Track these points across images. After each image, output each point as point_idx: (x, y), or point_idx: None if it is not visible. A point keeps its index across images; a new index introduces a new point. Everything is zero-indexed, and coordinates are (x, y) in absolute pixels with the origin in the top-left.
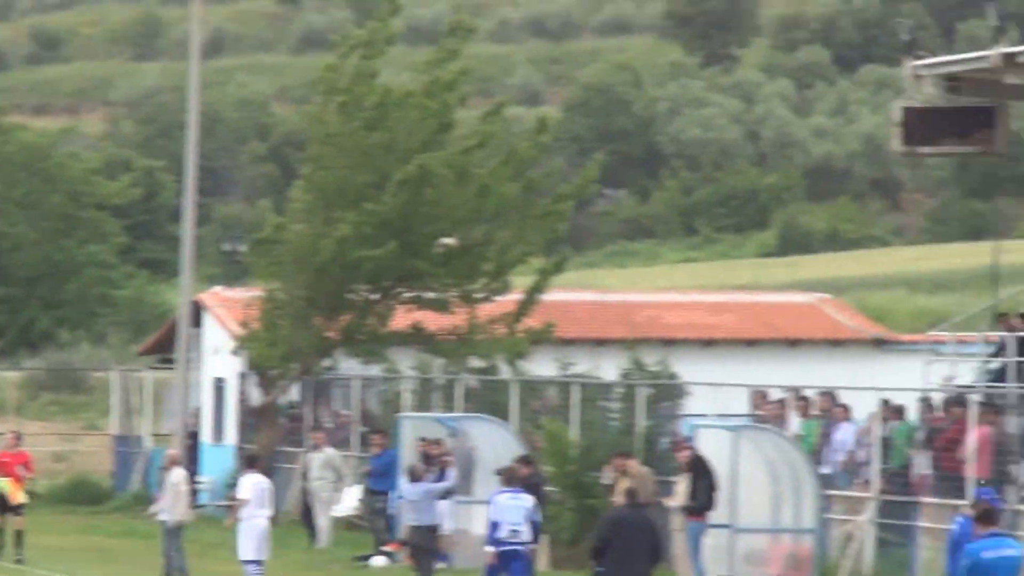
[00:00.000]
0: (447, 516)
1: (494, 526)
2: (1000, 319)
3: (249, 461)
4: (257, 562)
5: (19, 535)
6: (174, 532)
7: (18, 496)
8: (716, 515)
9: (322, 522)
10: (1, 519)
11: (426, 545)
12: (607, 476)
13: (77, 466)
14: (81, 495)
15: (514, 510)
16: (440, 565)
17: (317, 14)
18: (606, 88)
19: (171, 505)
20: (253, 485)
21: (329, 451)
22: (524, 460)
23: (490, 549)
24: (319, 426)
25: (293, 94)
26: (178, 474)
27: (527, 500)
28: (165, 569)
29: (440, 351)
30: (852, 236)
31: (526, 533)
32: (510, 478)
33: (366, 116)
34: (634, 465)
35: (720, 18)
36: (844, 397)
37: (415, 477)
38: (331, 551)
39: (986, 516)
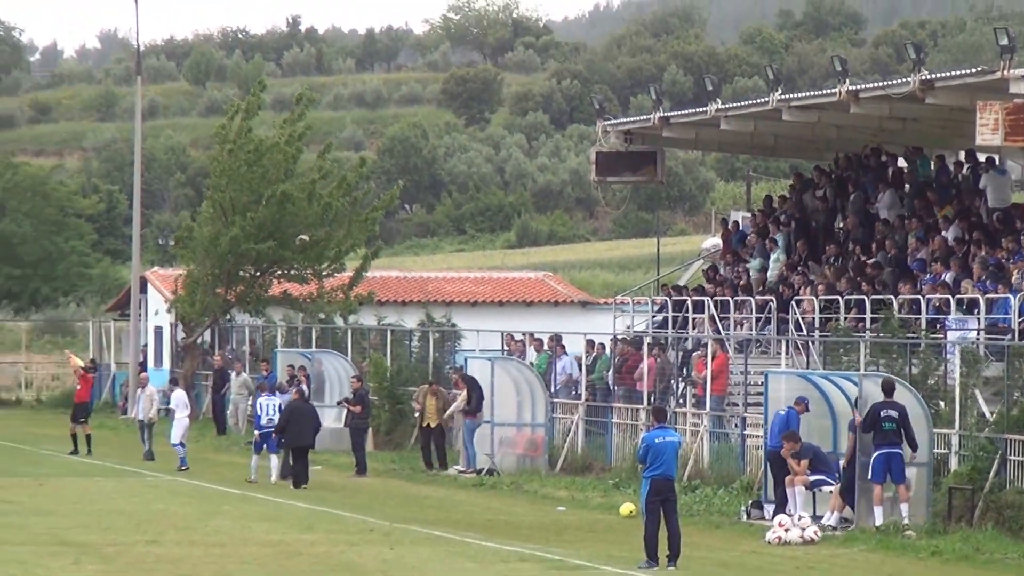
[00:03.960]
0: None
1: (257, 417)
2: (663, 288)
3: (178, 380)
4: (182, 444)
5: (88, 437)
6: (147, 426)
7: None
8: (482, 415)
9: (240, 422)
10: (74, 427)
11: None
12: (418, 394)
13: (66, 384)
14: (69, 403)
15: (272, 406)
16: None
17: (216, 91)
18: (404, 139)
19: (146, 409)
20: (179, 396)
21: (244, 375)
22: (356, 378)
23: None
24: (236, 357)
25: (201, 143)
26: (149, 388)
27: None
28: (145, 451)
29: (300, 309)
30: (564, 235)
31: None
32: (274, 389)
33: (246, 157)
34: (437, 388)
35: (477, 94)
36: (564, 339)
37: (281, 390)
38: (237, 438)
39: (658, 415)
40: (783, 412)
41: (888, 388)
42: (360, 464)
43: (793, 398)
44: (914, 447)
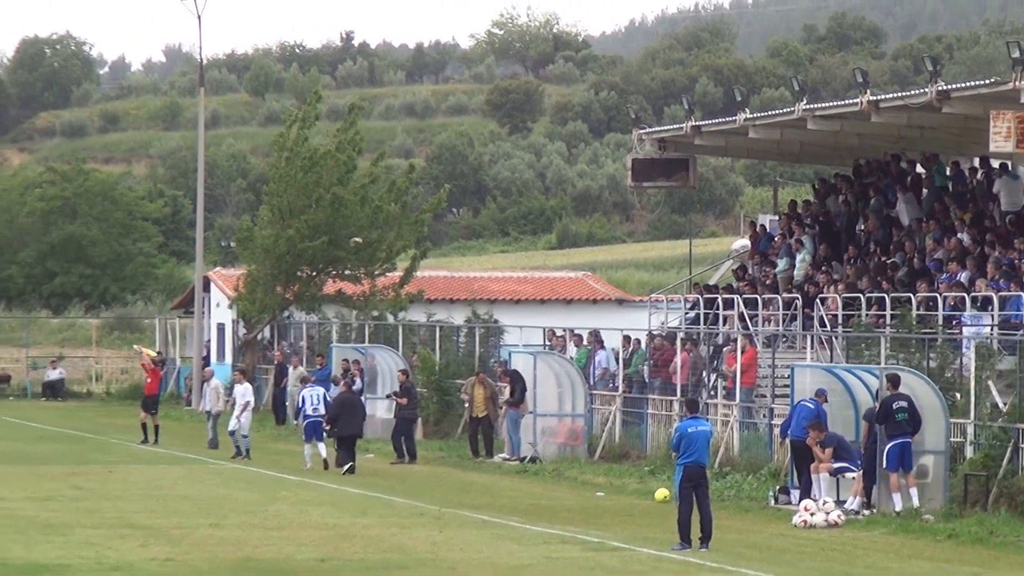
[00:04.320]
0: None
1: (301, 408)
2: (695, 287)
3: (241, 373)
4: (245, 435)
5: (157, 428)
6: (214, 417)
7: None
8: (526, 406)
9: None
10: (144, 417)
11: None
12: (467, 385)
13: (134, 378)
14: (137, 395)
15: (316, 396)
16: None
17: (274, 102)
18: (451, 146)
19: (212, 401)
20: (244, 389)
21: (301, 369)
22: (403, 372)
23: (300, 422)
24: (294, 352)
25: (260, 150)
26: (214, 382)
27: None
28: (210, 440)
29: (354, 306)
30: (602, 237)
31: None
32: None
33: (302, 164)
34: (484, 378)
35: (520, 104)
36: (602, 335)
37: (335, 382)
38: (295, 428)
39: (690, 406)
40: (809, 405)
41: (895, 381)
42: (409, 452)
43: (817, 390)
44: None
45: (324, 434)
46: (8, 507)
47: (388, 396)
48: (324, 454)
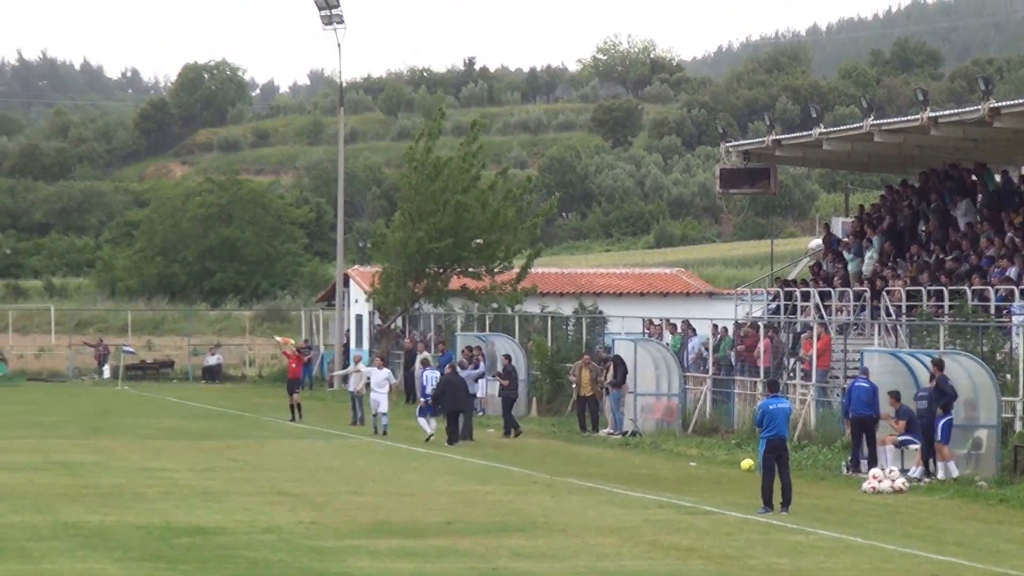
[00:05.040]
0: (480, 388)
1: (422, 388)
2: (776, 281)
3: (386, 359)
4: (385, 413)
5: (299, 406)
6: (357, 398)
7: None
8: (627, 387)
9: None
10: (289, 397)
11: (470, 404)
12: (574, 368)
13: (282, 363)
14: (285, 379)
15: (434, 378)
16: (479, 413)
17: (405, 120)
18: (561, 158)
19: (357, 383)
20: (385, 373)
21: (426, 354)
22: (507, 356)
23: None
24: (423, 340)
25: (393, 162)
26: (360, 366)
27: (437, 373)
28: (353, 418)
29: (476, 299)
30: (694, 237)
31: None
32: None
33: (429, 173)
34: (590, 361)
35: (621, 121)
36: (694, 324)
37: (462, 366)
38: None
39: (772, 386)
40: (864, 384)
41: (940, 364)
42: (510, 426)
43: (885, 372)
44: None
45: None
46: (172, 477)
47: (494, 377)
48: (433, 429)
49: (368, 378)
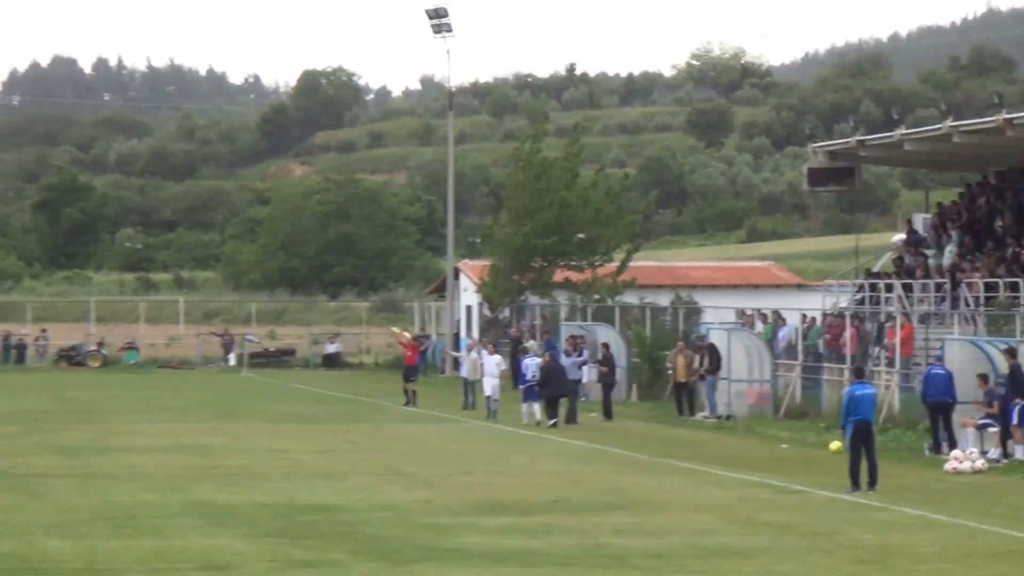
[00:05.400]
0: (584, 374)
1: (522, 375)
2: (862, 273)
3: (493, 346)
4: (496, 399)
5: (415, 393)
6: (471, 383)
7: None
8: (721, 373)
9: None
10: (404, 383)
11: (575, 390)
12: (672, 355)
13: (397, 351)
14: (400, 365)
15: (534, 365)
16: (582, 399)
17: (510, 122)
18: (657, 158)
19: (470, 370)
20: (496, 359)
21: (533, 342)
22: (605, 345)
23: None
24: (529, 329)
25: (499, 162)
26: (472, 354)
27: (537, 360)
28: (465, 402)
29: (579, 291)
30: (783, 232)
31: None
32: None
33: (534, 173)
34: (684, 348)
35: (714, 123)
36: (784, 314)
37: (567, 354)
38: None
39: (857, 373)
40: (941, 371)
41: (1013, 352)
42: (607, 411)
43: (965, 360)
44: None
45: (536, 396)
46: (295, 458)
47: (593, 364)
48: (537, 414)
49: (481, 364)
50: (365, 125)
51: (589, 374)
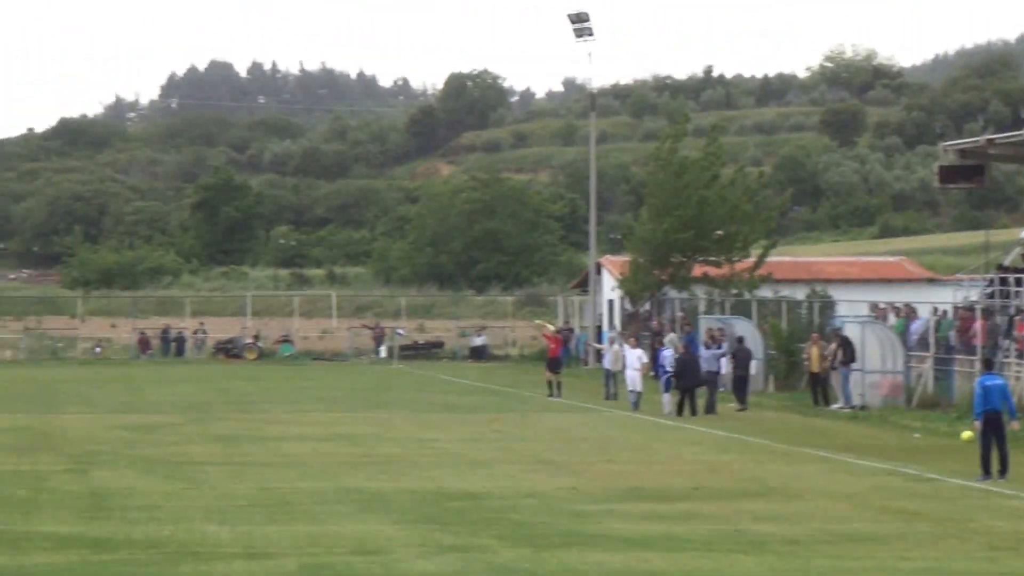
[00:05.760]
0: (723, 366)
1: (660, 367)
2: (992, 268)
3: (635, 339)
4: (639, 392)
5: (559, 384)
6: (612, 374)
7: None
8: (855, 365)
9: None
10: (549, 375)
11: (714, 381)
12: (807, 347)
13: (541, 344)
14: (544, 357)
15: (671, 357)
16: (721, 390)
17: (650, 123)
18: (792, 157)
19: (612, 362)
20: (638, 352)
21: (673, 335)
22: (739, 339)
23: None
24: (669, 322)
25: (639, 161)
26: (615, 347)
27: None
28: (606, 393)
29: (717, 286)
30: (915, 228)
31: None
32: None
33: (674, 171)
34: (818, 339)
35: (847, 123)
36: (916, 307)
37: (707, 346)
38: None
39: (987, 364)
40: None
41: None
42: (741, 400)
43: None
44: None
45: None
46: (443, 447)
47: (725, 355)
48: (668, 405)
49: (623, 356)
50: (510, 126)
51: (727, 366)
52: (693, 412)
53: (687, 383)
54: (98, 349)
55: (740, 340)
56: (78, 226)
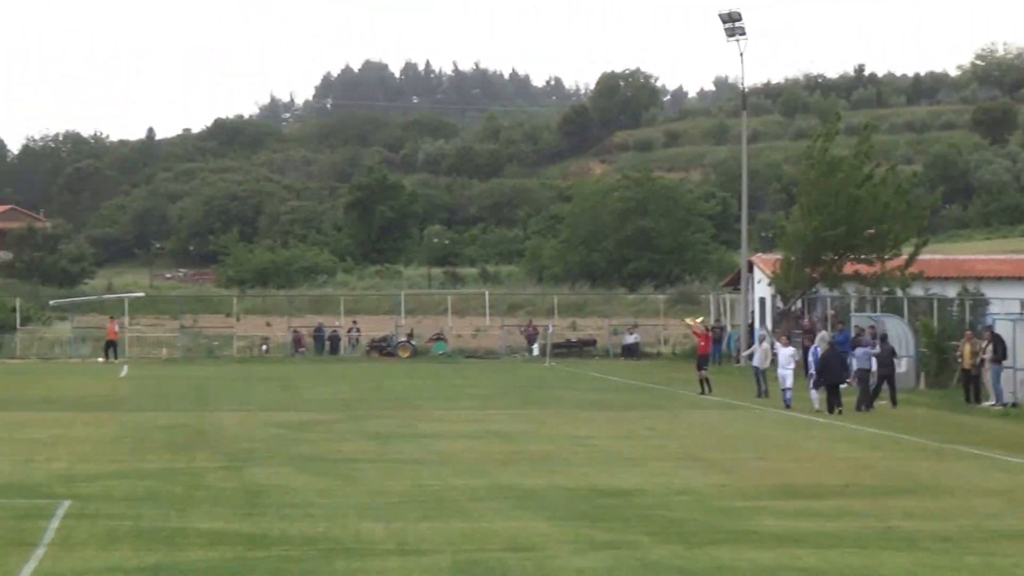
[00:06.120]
0: (874, 363)
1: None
2: None
3: (786, 337)
4: (790, 388)
5: (708, 381)
6: (762, 372)
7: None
8: (1006, 362)
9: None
10: (698, 372)
11: (866, 379)
12: (960, 343)
13: (693, 341)
14: (695, 356)
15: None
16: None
17: (802, 122)
18: (944, 155)
19: (762, 359)
20: (789, 351)
21: (824, 332)
22: (882, 337)
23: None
24: (821, 320)
25: (790, 160)
26: (765, 344)
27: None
28: (757, 391)
29: (868, 283)
30: None
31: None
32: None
33: (825, 170)
34: (971, 336)
35: (999, 120)
36: None
37: (858, 344)
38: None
39: None
40: None
41: None
42: (888, 396)
43: None
44: None
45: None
46: (596, 444)
47: (871, 354)
48: (816, 402)
49: (774, 354)
50: (662, 125)
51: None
52: (838, 409)
53: (830, 379)
54: (265, 347)
55: (883, 338)
56: (234, 225)
